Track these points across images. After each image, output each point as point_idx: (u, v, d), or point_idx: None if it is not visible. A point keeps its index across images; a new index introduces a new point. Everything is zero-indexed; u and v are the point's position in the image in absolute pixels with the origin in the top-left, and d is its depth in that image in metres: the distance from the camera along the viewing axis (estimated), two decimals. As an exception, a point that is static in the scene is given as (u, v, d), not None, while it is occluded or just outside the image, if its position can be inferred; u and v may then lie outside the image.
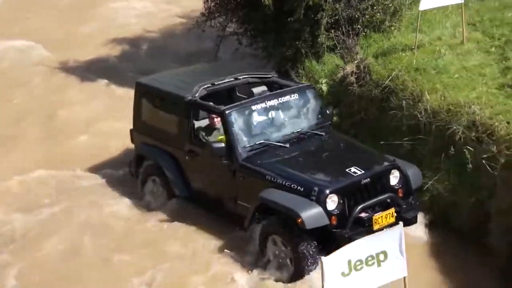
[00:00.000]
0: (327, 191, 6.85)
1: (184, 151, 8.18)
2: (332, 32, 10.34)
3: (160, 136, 8.54)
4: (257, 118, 7.88)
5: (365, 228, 6.95)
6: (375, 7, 10.47)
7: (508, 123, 7.67)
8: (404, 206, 7.34)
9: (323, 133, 8.13)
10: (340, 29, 10.27)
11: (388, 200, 7.24)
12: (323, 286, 5.12)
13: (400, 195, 7.42)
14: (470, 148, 7.82)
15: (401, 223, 5.57)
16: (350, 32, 10.22)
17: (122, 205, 8.75)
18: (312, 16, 10.17)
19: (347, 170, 7.18)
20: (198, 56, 13.05)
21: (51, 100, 11.96)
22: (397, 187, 7.43)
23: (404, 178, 7.49)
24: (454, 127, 8.05)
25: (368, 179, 7.13)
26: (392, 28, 10.70)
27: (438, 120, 8.40)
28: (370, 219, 6.96)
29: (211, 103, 8.05)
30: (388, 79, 9.22)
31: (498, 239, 7.79)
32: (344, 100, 10.06)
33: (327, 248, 6.68)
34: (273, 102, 8.00)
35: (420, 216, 7.97)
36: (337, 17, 10.30)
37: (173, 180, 8.29)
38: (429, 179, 8.06)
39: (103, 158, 10.05)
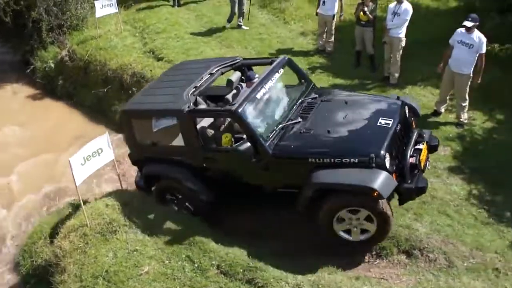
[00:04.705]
0: (382, 152, 5.85)
1: (199, 159, 7.03)
2: (51, 33, 13.97)
3: (168, 152, 7.45)
4: (264, 104, 6.88)
5: (419, 171, 6.04)
6: (72, 17, 14.05)
7: (151, 70, 11.33)
8: (425, 135, 6.49)
9: (316, 95, 7.11)
10: (55, 31, 13.99)
11: (417, 137, 6.38)
12: (73, 175, 6.21)
13: (415, 126, 6.58)
14: (135, 88, 10.75)
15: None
16: (61, 32, 14.02)
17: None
18: (37, 25, 13.87)
19: (378, 124, 6.22)
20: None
21: None
22: (411, 120, 6.58)
23: (412, 110, 6.69)
24: (125, 77, 11.61)
25: (399, 125, 6.25)
26: (83, 27, 14.28)
27: (116, 74, 11.85)
28: (418, 161, 6.09)
29: (216, 107, 7.19)
30: (87, 56, 12.81)
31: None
32: (65, 72, 13.62)
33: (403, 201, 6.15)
34: (270, 83, 7.03)
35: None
36: (51, 25, 13.97)
37: (195, 190, 7.19)
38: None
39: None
